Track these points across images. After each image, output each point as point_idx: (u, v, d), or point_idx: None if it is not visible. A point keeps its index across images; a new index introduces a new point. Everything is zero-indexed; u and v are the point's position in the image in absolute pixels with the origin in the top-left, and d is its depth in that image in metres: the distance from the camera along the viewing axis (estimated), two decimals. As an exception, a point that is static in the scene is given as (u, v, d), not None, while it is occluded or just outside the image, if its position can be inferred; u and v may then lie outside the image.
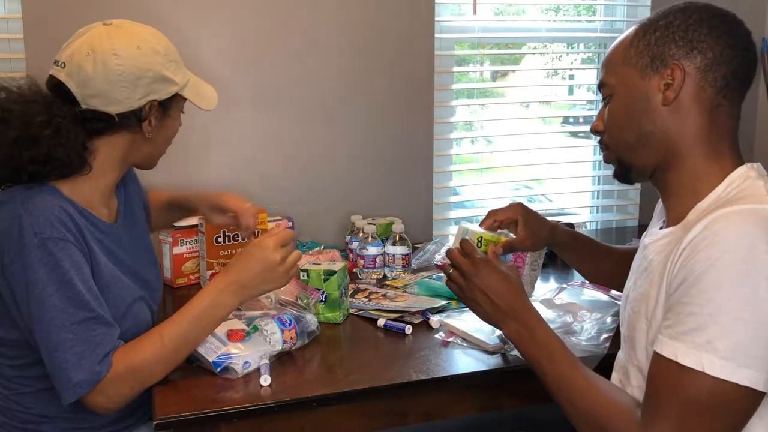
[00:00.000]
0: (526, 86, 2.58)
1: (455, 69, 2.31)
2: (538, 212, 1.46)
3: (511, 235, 1.43)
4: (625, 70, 1.08)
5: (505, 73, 2.55)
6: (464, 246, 1.27)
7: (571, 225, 2.07)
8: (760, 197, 0.96)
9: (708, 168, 1.04)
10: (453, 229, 2.38)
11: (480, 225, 1.44)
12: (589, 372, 1.07)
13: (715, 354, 0.88)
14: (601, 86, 1.14)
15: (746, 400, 0.89)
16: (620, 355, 1.17)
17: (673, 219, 1.08)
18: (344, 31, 2.10)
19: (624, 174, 1.14)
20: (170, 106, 1.29)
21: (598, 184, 2.58)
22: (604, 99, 1.13)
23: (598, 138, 1.17)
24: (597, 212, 2.58)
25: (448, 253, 1.27)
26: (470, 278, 1.22)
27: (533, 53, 2.57)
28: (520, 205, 1.45)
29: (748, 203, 0.95)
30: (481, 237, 1.39)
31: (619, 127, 1.09)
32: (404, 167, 2.23)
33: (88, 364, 1.12)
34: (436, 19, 2.19)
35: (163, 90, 1.25)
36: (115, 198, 1.37)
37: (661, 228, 1.11)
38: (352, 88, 2.14)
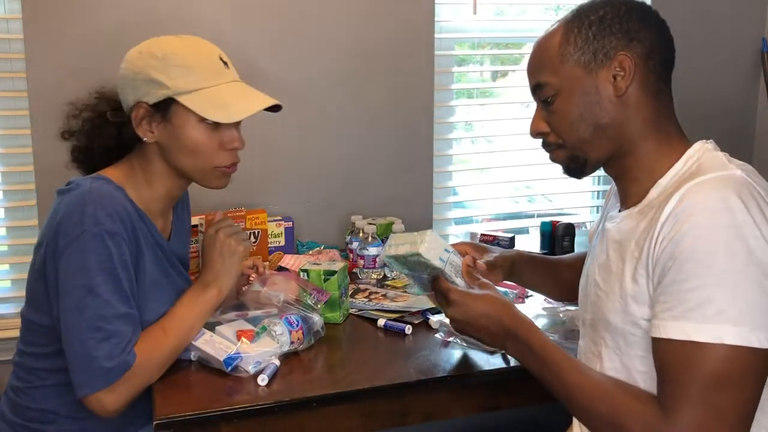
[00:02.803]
0: (526, 86, 2.57)
1: (455, 69, 2.31)
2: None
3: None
4: (567, 68, 1.07)
5: (505, 73, 2.54)
6: (435, 287, 1.25)
7: (571, 225, 2.08)
8: (723, 165, 0.99)
9: (661, 149, 1.07)
10: (453, 229, 2.39)
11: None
12: (596, 373, 1.06)
13: (728, 322, 0.88)
14: (537, 88, 1.12)
15: (765, 362, 0.89)
16: (581, 344, 1.18)
17: (632, 201, 1.09)
18: (344, 32, 2.10)
19: (579, 169, 1.13)
20: (170, 111, 1.24)
21: (598, 184, 2.58)
22: (544, 100, 1.11)
23: (542, 140, 1.15)
24: (597, 212, 2.58)
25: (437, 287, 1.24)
26: (455, 318, 1.20)
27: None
28: (480, 247, 1.43)
29: (715, 172, 0.97)
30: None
31: (571, 125, 1.08)
32: (404, 167, 2.23)
33: (120, 354, 1.16)
34: (436, 19, 2.19)
35: (152, 93, 1.23)
36: (171, 217, 1.43)
37: (620, 211, 1.12)
38: (352, 88, 2.14)
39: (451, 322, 1.23)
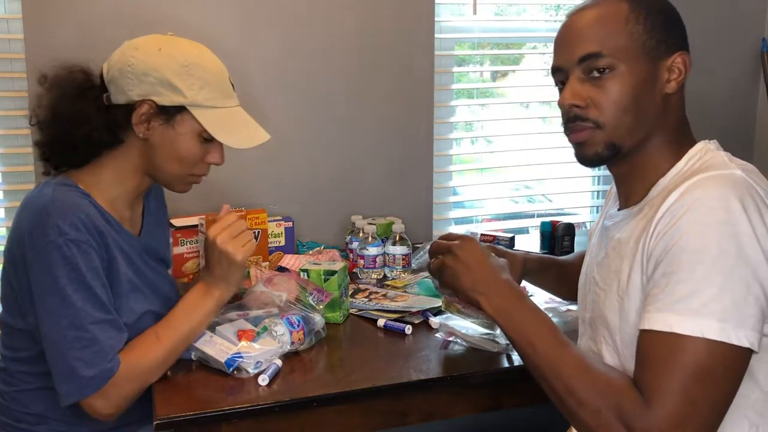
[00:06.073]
0: (526, 86, 2.58)
1: (455, 69, 2.31)
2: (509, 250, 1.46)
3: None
4: (633, 47, 1.02)
5: (505, 73, 2.54)
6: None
7: (571, 225, 2.08)
8: (725, 165, 0.99)
9: (668, 147, 1.06)
10: (452, 230, 2.39)
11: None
12: (583, 351, 1.06)
13: (712, 317, 0.88)
14: (589, 57, 1.02)
15: (743, 360, 0.90)
16: (581, 342, 1.18)
17: (632, 200, 1.09)
18: (344, 32, 2.10)
19: (606, 158, 1.06)
20: (176, 118, 1.25)
21: (598, 184, 2.58)
22: (596, 70, 1.02)
23: (572, 114, 1.05)
24: (597, 212, 2.58)
25: (434, 244, 1.23)
26: (454, 251, 1.16)
27: (533, 53, 2.57)
28: (492, 247, 1.42)
29: (717, 170, 0.97)
30: None
31: (624, 109, 1.02)
32: (404, 167, 2.23)
33: (100, 361, 1.15)
34: (436, 19, 2.19)
35: (166, 96, 1.23)
36: (141, 212, 1.41)
37: (619, 210, 1.12)
38: (352, 89, 2.14)
39: (444, 261, 1.17)
